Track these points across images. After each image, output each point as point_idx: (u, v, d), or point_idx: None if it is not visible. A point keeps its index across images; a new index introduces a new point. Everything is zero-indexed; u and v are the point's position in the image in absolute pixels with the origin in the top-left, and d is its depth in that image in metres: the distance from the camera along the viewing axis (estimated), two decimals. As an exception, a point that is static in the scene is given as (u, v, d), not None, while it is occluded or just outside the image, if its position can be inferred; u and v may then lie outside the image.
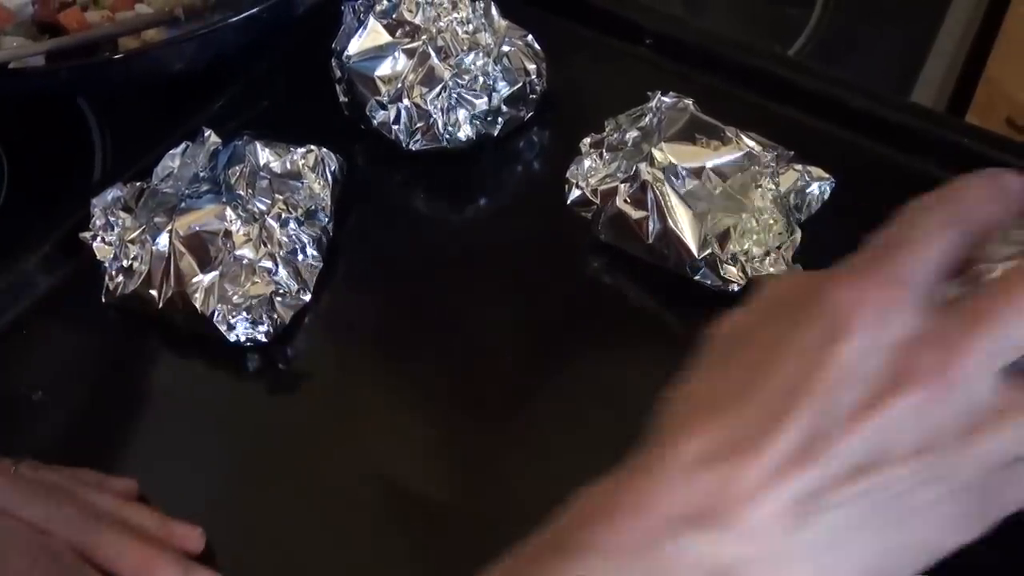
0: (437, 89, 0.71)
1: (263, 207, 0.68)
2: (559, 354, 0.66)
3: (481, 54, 0.72)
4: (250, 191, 0.68)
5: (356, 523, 0.61)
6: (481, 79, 0.72)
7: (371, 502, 0.61)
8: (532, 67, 0.74)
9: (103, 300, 0.69)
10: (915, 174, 0.70)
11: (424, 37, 0.72)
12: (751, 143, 0.66)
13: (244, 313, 0.66)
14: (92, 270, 0.69)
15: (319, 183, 0.70)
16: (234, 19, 0.72)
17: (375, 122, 0.73)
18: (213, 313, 0.65)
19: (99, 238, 0.69)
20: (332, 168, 0.71)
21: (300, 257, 0.68)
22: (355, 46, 0.73)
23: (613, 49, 0.78)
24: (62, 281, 0.71)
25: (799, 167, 0.67)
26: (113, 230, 0.69)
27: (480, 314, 0.68)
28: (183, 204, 0.67)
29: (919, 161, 0.70)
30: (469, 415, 0.64)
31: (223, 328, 0.66)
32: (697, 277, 0.65)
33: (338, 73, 0.75)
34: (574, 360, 0.66)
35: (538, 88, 0.74)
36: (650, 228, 0.65)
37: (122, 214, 0.69)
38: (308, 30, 0.78)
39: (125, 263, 0.68)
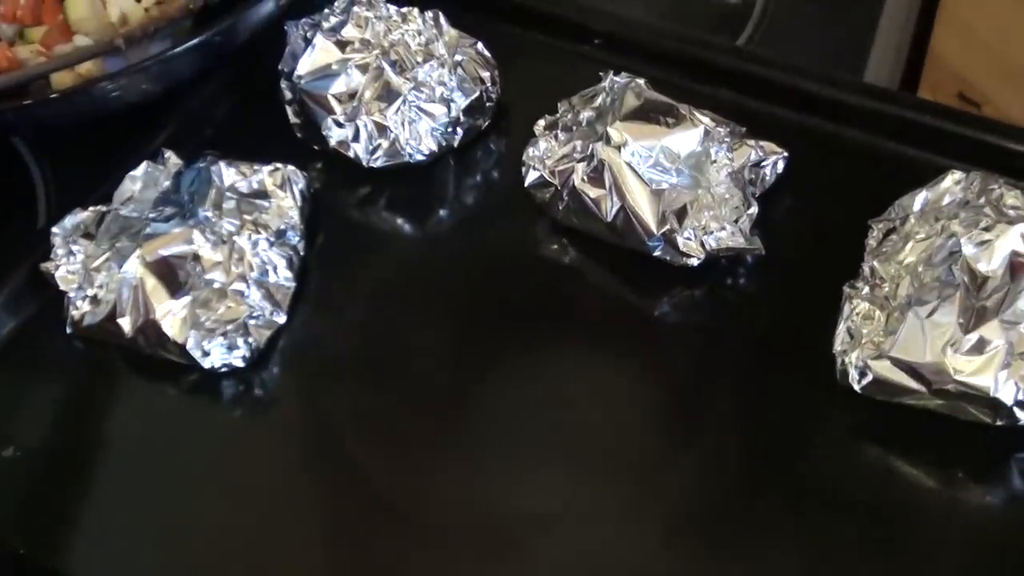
0: (396, 103, 0.71)
1: (232, 228, 0.66)
2: (535, 360, 0.65)
3: (436, 64, 0.72)
4: (217, 212, 0.66)
5: (338, 545, 0.60)
6: (439, 90, 0.72)
7: (352, 522, 0.60)
8: (486, 75, 0.74)
9: (68, 331, 0.67)
10: (863, 147, 0.72)
11: (376, 51, 0.71)
12: (705, 119, 0.67)
13: (220, 338, 0.64)
14: (57, 304, 0.67)
15: (287, 201, 0.69)
16: (175, 51, 0.70)
17: (332, 141, 0.72)
18: (187, 340, 0.63)
19: (62, 268, 0.66)
20: (299, 186, 0.70)
21: (272, 278, 0.66)
22: (305, 66, 0.72)
23: (563, 51, 0.78)
24: (26, 320, 0.68)
25: (752, 142, 0.68)
26: (76, 258, 0.67)
27: (456, 325, 0.68)
28: (148, 228, 0.66)
29: (864, 135, 0.72)
30: (451, 430, 0.63)
31: (197, 355, 0.64)
32: (657, 253, 0.66)
33: (288, 95, 0.74)
34: (551, 362, 0.65)
35: (493, 96, 0.74)
36: (609, 206, 0.66)
37: (83, 241, 0.67)
38: (249, 54, 0.77)
39: (90, 292, 0.66)
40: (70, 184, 0.75)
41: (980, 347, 0.55)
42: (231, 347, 0.64)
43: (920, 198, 0.62)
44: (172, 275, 0.64)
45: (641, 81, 0.69)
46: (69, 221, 0.68)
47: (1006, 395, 0.55)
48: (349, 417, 0.64)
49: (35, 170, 0.77)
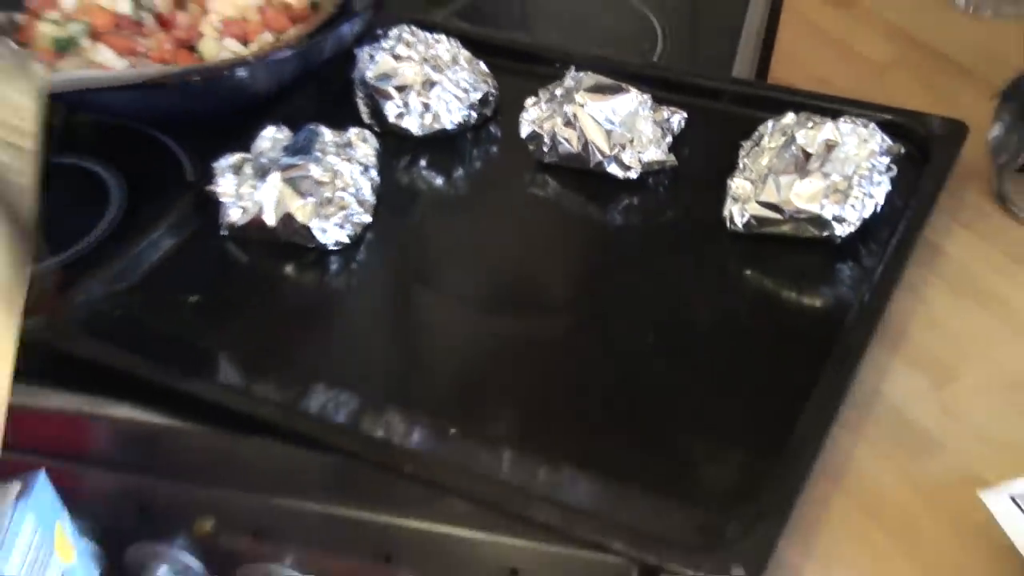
0: (437, 88, 1.08)
1: (334, 162, 1.00)
2: (529, 246, 1.01)
3: (459, 68, 1.10)
4: (324, 154, 1.01)
5: (414, 362, 0.90)
6: (463, 83, 1.09)
7: (424, 340, 0.93)
8: (490, 81, 1.12)
9: (224, 233, 1.00)
10: (734, 113, 1.11)
11: (420, 60, 1.09)
12: (637, 91, 1.05)
13: (335, 218, 0.98)
14: (210, 224, 1.01)
15: (368, 150, 1.04)
16: (294, 50, 1.09)
17: (391, 119, 1.08)
18: (313, 222, 0.98)
19: (221, 187, 1.01)
20: (374, 144, 1.05)
21: (362, 194, 1.01)
22: (372, 73, 1.09)
23: (531, 72, 1.16)
24: (192, 232, 1.02)
25: (663, 107, 1.06)
26: (230, 183, 1.01)
27: (476, 228, 1.04)
28: (279, 163, 1.00)
29: (734, 107, 1.12)
30: (473, 282, 0.98)
31: (319, 233, 0.98)
32: (609, 169, 1.02)
33: (360, 93, 1.11)
34: (540, 248, 1.01)
35: (495, 94, 1.12)
36: (578, 141, 1.03)
37: (232, 175, 1.01)
38: (327, 73, 1.14)
39: (241, 204, 1.00)
40: (203, 159, 1.09)
41: (810, 187, 0.93)
42: (341, 226, 0.98)
43: (771, 124, 1.01)
44: (299, 188, 0.98)
45: (590, 72, 1.07)
46: (224, 161, 1.02)
47: (827, 213, 0.92)
48: (415, 281, 0.99)
49: (177, 149, 1.12)
